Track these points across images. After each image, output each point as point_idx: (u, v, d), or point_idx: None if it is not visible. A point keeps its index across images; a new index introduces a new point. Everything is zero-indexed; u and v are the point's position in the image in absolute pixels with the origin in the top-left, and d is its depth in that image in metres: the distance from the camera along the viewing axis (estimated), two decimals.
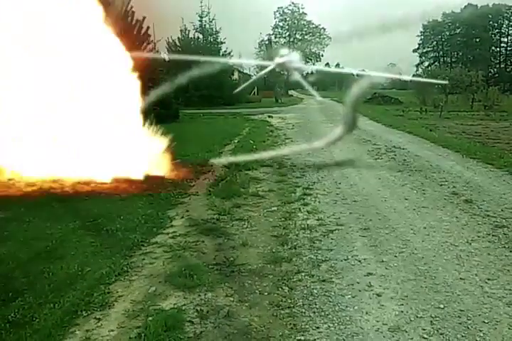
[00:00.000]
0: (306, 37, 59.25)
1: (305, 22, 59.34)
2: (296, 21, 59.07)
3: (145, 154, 8.12)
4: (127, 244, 5.36)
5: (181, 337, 3.42)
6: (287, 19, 57.69)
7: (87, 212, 6.61)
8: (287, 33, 57.61)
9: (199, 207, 7.03)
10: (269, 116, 25.50)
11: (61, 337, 3.47)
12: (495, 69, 65.98)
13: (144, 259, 4.98)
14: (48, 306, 3.88)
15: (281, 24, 54.70)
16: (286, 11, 57.41)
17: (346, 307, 3.87)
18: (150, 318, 3.67)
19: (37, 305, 3.91)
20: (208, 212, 6.78)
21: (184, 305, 3.93)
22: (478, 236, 5.54)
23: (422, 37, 70.57)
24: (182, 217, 6.56)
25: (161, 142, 8.51)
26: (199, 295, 4.10)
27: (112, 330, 3.56)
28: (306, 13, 59.32)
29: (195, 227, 6.05)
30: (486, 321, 3.60)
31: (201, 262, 4.83)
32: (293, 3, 58.53)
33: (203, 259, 4.93)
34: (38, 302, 3.97)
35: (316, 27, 57.88)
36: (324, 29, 57.47)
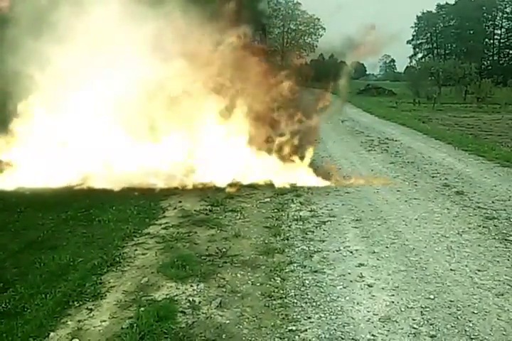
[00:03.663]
0: (300, 27, 58.78)
1: (299, 12, 58.82)
2: (290, 11, 58.53)
3: None
4: (119, 235, 5.35)
5: (173, 327, 3.43)
6: (281, 9, 57.12)
7: (79, 202, 6.58)
8: (281, 23, 57.07)
9: (192, 197, 7.02)
10: None
11: (53, 328, 3.47)
12: (488, 62, 65.98)
13: (136, 250, 4.98)
14: (40, 296, 3.87)
15: (275, 14, 54.14)
16: (280, 0, 56.89)
17: (338, 297, 3.89)
18: (142, 309, 3.67)
19: (28, 296, 3.90)
20: (200, 202, 6.78)
21: (176, 295, 3.93)
22: (469, 228, 5.59)
23: (416, 28, 70.39)
24: (175, 208, 6.55)
25: None
26: (191, 286, 4.10)
27: (104, 321, 3.56)
28: (300, 3, 58.77)
29: (188, 218, 6.05)
30: (476, 312, 3.64)
31: (194, 253, 4.84)
32: None
33: (195, 250, 4.94)
34: (30, 292, 3.96)
35: (311, 17, 57.39)
36: (318, 19, 56.97)
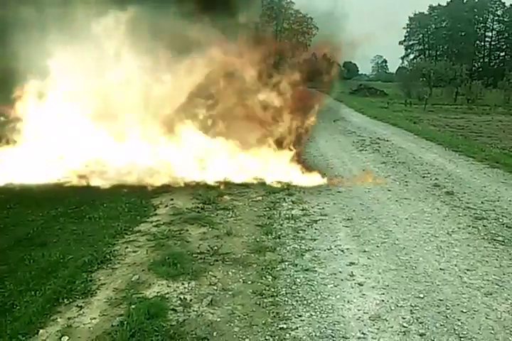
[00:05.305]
0: (293, 26, 58.79)
1: (292, 11, 58.83)
2: (283, 10, 58.52)
3: None
4: (110, 232, 5.33)
5: (164, 325, 3.42)
6: (274, 8, 57.06)
7: (70, 199, 6.53)
8: (274, 22, 57.07)
9: (183, 195, 7.00)
10: None
11: (42, 325, 3.45)
12: (479, 64, 66.59)
13: (127, 247, 4.95)
14: (29, 293, 3.84)
15: (268, 12, 54.00)
16: None
17: (328, 296, 3.91)
18: (133, 306, 3.66)
19: (17, 293, 3.87)
20: (192, 200, 6.76)
21: (167, 293, 3.92)
22: (459, 228, 5.64)
23: (408, 29, 70.79)
24: (166, 206, 6.53)
25: None
26: (183, 284, 4.10)
27: (94, 318, 3.54)
28: (293, 2, 58.80)
29: (180, 216, 6.03)
30: (465, 310, 3.68)
31: (185, 251, 4.83)
32: None
33: (186, 248, 4.93)
34: (19, 289, 3.93)
35: (304, 16, 57.47)
36: (311, 18, 57.06)
